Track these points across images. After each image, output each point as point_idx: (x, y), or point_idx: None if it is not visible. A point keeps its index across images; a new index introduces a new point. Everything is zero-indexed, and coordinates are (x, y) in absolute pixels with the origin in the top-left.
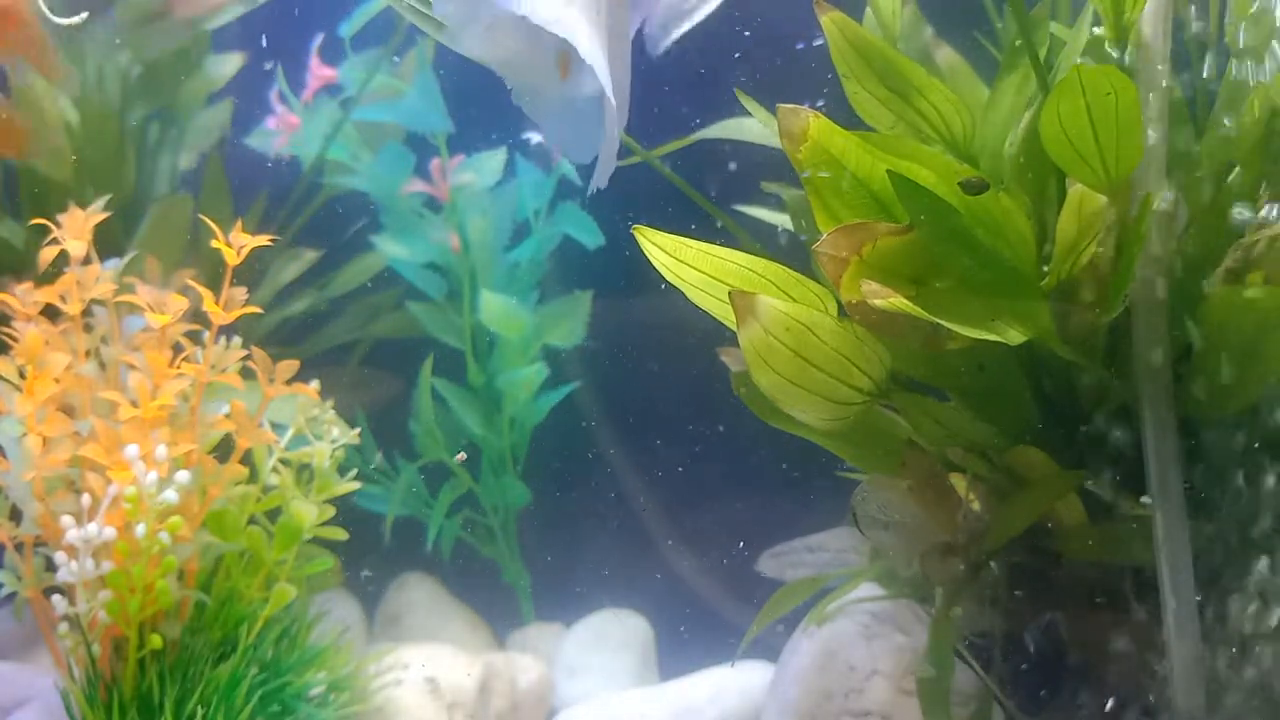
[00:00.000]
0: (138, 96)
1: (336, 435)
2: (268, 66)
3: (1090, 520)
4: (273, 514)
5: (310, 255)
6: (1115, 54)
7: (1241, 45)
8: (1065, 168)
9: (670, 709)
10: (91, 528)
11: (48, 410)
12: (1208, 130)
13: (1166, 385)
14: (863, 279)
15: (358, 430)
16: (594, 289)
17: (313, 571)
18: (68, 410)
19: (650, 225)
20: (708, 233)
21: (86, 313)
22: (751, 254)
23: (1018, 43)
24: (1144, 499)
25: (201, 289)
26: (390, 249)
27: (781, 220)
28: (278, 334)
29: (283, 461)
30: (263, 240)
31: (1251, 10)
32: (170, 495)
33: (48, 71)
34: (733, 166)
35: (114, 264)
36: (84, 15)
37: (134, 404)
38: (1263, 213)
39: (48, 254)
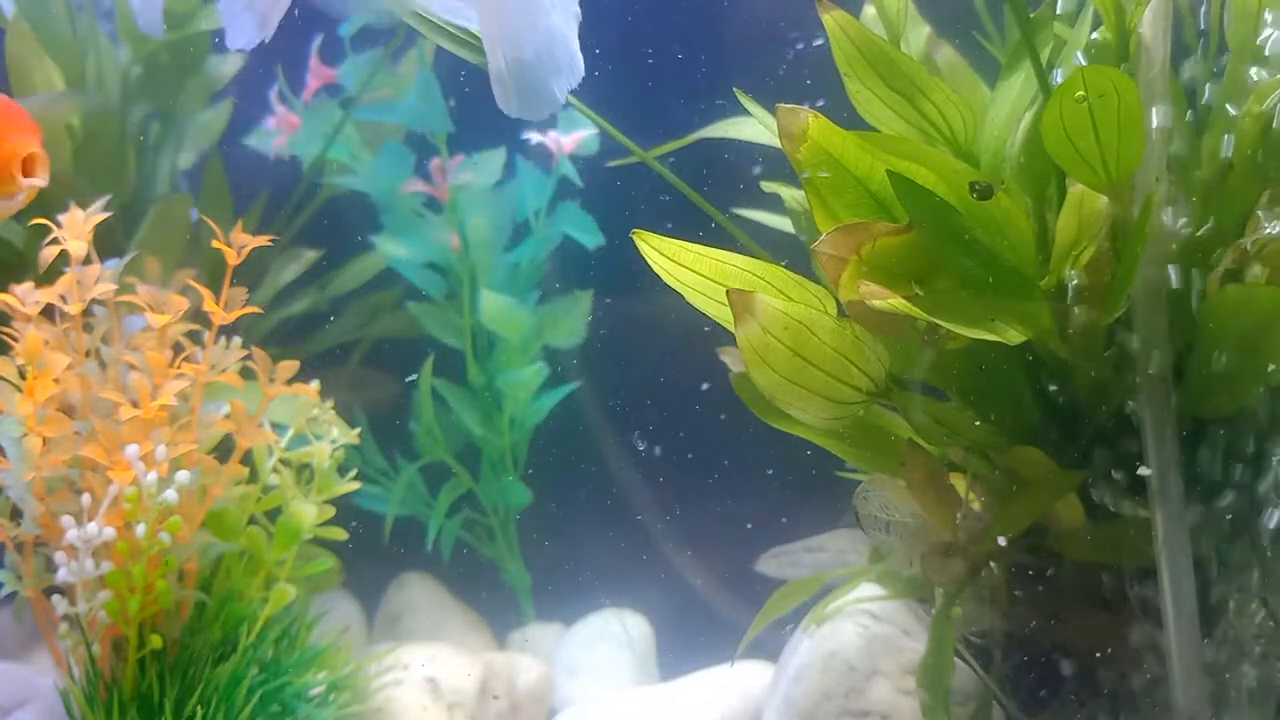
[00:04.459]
0: (138, 96)
1: (336, 435)
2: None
3: (1090, 520)
4: (273, 514)
5: (310, 255)
6: (1116, 55)
7: (1241, 45)
8: (1066, 168)
9: (670, 709)
10: (91, 528)
11: (48, 410)
12: (1208, 130)
13: (1166, 385)
14: (861, 279)
15: (358, 430)
16: (594, 289)
17: (313, 571)
18: (68, 410)
19: (651, 226)
20: (713, 233)
21: (86, 313)
22: (751, 256)
23: (1019, 44)
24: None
25: (201, 289)
26: (390, 249)
27: (783, 222)
28: (278, 334)
29: (283, 461)
30: (263, 240)
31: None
32: (170, 495)
33: None
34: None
35: (114, 264)
36: None
37: (134, 404)
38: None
39: (48, 254)
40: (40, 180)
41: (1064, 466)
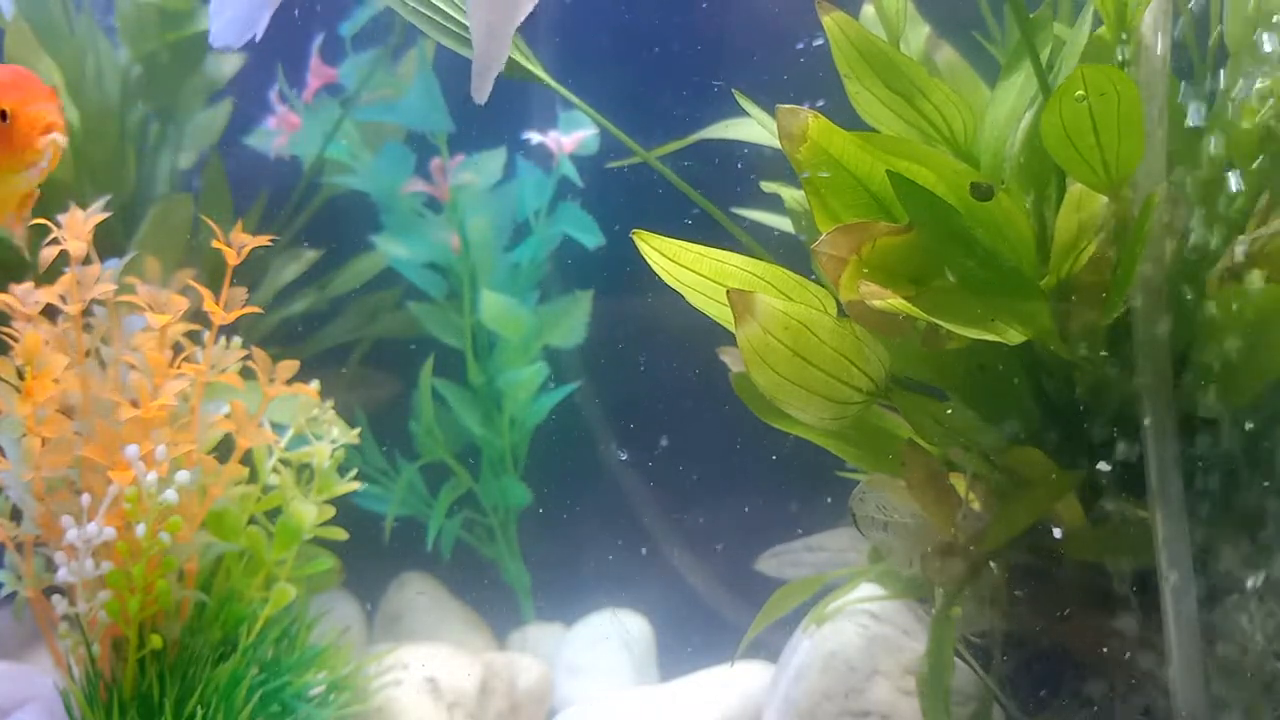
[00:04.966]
0: (138, 96)
1: (336, 435)
2: None
3: (1090, 520)
4: (273, 514)
5: (310, 255)
6: (1116, 55)
7: (1240, 45)
8: (1066, 168)
9: (670, 709)
10: (91, 528)
11: (47, 410)
12: (1208, 130)
13: (1167, 385)
14: (861, 279)
15: (358, 430)
16: (594, 289)
17: (313, 571)
18: (68, 410)
19: (652, 226)
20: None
21: (86, 313)
22: (751, 256)
23: (1019, 44)
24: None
25: (201, 289)
26: (390, 249)
27: (784, 222)
28: (278, 334)
29: (283, 461)
30: (263, 240)
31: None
32: (170, 495)
33: None
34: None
35: (114, 264)
36: None
37: (134, 404)
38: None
39: (48, 254)
40: (60, 139)
41: (1064, 467)
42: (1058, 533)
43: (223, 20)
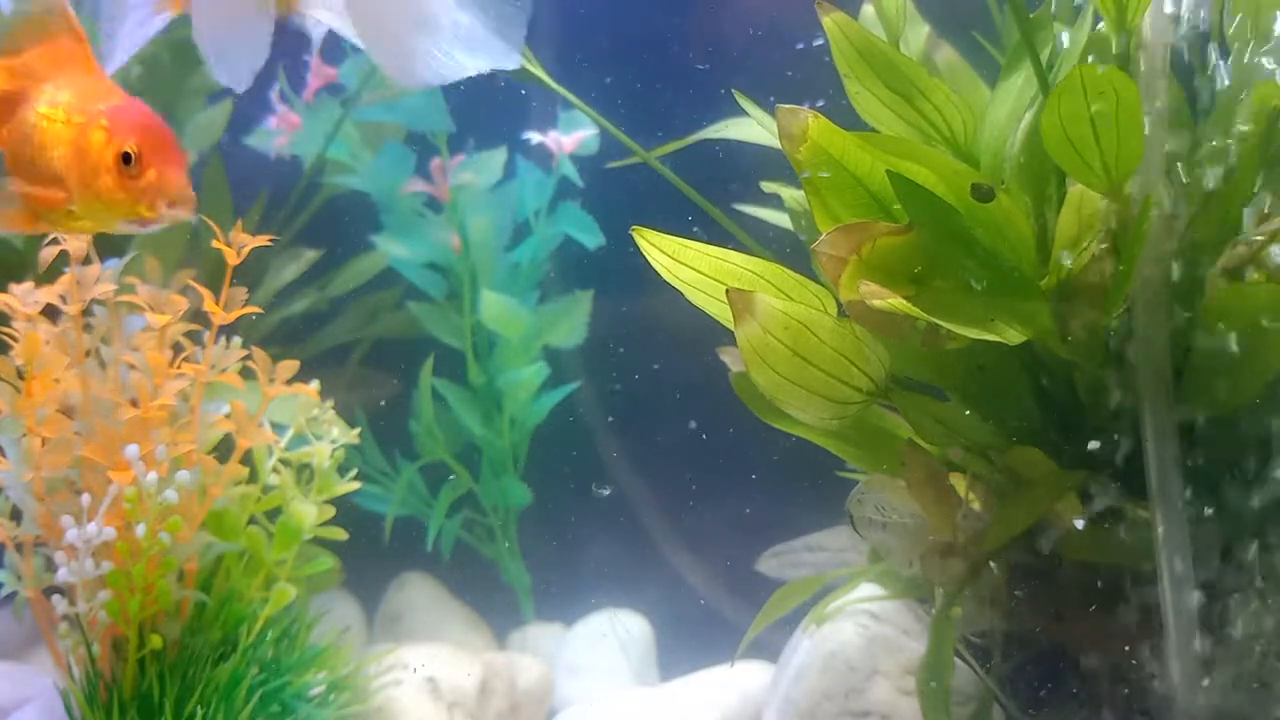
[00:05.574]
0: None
1: (336, 435)
2: None
3: (1090, 520)
4: (273, 514)
5: (310, 255)
6: (1116, 55)
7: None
8: (1066, 169)
9: (670, 709)
10: (91, 528)
11: (48, 410)
12: (1208, 129)
13: (1167, 385)
14: (861, 279)
15: (358, 430)
16: (594, 289)
17: (313, 571)
18: (67, 410)
19: (653, 226)
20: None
21: (86, 313)
22: (751, 254)
23: (1019, 44)
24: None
25: (201, 289)
26: (391, 249)
27: (785, 219)
28: (278, 334)
29: (283, 461)
30: (263, 240)
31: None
32: (170, 495)
33: None
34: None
35: (114, 264)
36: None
37: (134, 404)
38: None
39: (48, 254)
40: (187, 215)
41: (1064, 467)
42: (1080, 523)
43: (227, 64)
